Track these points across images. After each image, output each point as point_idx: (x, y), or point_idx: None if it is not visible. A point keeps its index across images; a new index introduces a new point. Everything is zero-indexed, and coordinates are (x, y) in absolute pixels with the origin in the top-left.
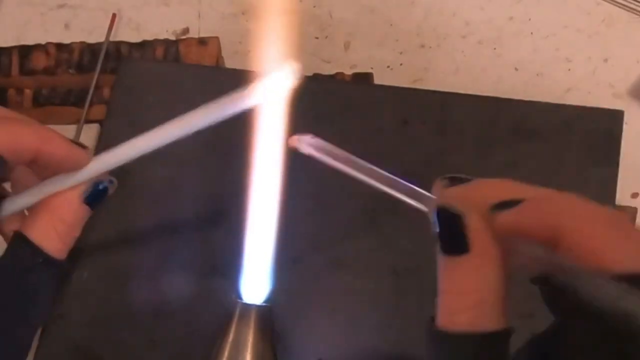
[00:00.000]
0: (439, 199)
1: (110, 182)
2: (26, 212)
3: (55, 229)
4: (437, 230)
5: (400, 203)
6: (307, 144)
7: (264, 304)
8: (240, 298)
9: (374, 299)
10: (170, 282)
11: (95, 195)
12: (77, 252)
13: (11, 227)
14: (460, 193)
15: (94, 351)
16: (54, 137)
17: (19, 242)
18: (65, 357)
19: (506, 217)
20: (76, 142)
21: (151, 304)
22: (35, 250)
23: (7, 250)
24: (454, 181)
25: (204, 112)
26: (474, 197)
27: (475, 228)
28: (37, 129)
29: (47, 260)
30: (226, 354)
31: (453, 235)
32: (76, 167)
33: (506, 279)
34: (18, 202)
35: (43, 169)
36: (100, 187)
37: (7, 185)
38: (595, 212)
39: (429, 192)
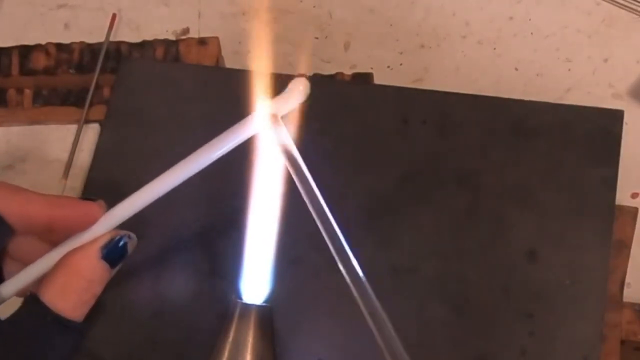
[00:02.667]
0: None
1: (129, 237)
2: None
3: (71, 286)
4: None
5: (402, 202)
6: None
7: (264, 304)
8: (240, 298)
9: None
10: (170, 282)
11: (114, 251)
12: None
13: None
14: None
15: (95, 351)
16: (62, 200)
17: (29, 301)
18: None
19: None
20: (87, 198)
21: (151, 304)
22: (43, 309)
23: (17, 310)
24: None
25: (213, 147)
26: None
27: None
28: (45, 196)
29: (56, 319)
30: (226, 354)
31: None
32: (91, 223)
33: None
34: (31, 272)
35: (57, 235)
36: (120, 243)
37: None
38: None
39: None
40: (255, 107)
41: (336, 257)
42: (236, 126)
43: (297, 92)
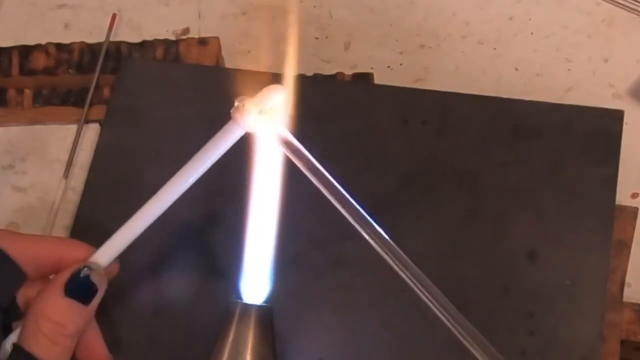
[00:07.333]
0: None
1: (89, 268)
2: None
3: (41, 331)
4: None
5: (402, 203)
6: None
7: (264, 304)
8: (240, 298)
9: (374, 298)
10: (170, 282)
11: (78, 286)
12: None
13: None
14: None
15: None
16: (70, 241)
17: (13, 351)
18: None
19: None
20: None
21: (151, 304)
22: (26, 356)
23: None
24: None
25: (205, 155)
26: None
27: None
28: (53, 237)
29: None
30: (226, 354)
31: None
32: None
33: None
34: None
35: None
36: (81, 274)
37: None
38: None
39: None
40: (236, 107)
41: (363, 232)
42: (222, 130)
43: (274, 89)
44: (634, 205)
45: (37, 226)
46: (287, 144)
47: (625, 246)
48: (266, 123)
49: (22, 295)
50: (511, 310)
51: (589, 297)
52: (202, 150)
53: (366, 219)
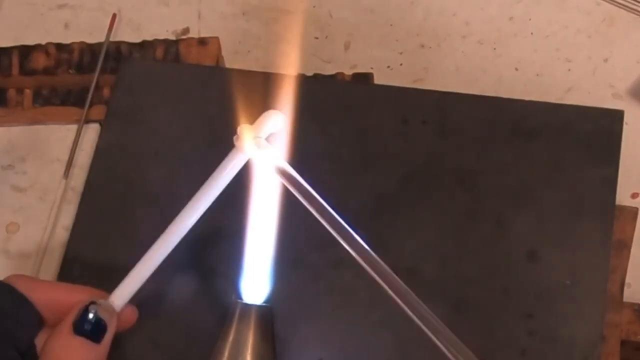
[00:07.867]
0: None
1: (96, 303)
2: None
3: None
4: None
5: (402, 203)
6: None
7: (264, 304)
8: (240, 298)
9: (374, 298)
10: (170, 282)
11: (86, 323)
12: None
13: None
14: None
15: None
16: (86, 287)
17: None
18: None
19: None
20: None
21: (151, 304)
22: None
23: None
24: None
25: (208, 190)
26: None
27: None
28: (68, 284)
29: None
30: (226, 354)
31: None
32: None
33: None
34: None
35: None
36: (89, 311)
37: None
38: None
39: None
40: (237, 135)
41: (362, 263)
42: (224, 161)
43: (274, 115)
44: (634, 205)
45: (37, 226)
46: (285, 174)
47: (625, 246)
48: (267, 150)
49: (41, 343)
50: (511, 310)
51: (589, 297)
52: (208, 181)
53: (366, 250)
